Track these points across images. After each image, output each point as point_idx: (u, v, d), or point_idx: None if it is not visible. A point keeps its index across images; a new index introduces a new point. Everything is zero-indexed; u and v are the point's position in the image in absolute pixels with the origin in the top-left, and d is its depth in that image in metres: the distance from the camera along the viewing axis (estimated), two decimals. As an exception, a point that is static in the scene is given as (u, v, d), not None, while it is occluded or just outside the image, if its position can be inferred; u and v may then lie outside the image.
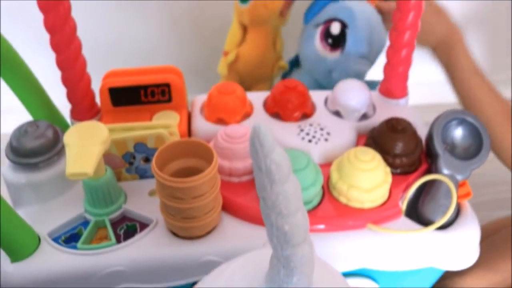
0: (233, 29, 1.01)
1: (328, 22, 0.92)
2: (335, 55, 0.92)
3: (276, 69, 1.05)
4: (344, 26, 0.90)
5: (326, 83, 0.95)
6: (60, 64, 0.63)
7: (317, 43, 0.93)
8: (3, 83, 0.64)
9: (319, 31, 0.93)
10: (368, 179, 0.58)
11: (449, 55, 0.88)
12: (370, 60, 0.92)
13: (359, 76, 0.91)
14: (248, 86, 1.06)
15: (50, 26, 0.60)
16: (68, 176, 0.52)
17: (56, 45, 0.62)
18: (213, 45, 1.15)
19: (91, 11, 1.06)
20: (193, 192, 0.53)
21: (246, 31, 0.99)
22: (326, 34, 0.92)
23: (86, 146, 0.54)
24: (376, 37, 0.91)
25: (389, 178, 0.60)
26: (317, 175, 0.59)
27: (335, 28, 0.91)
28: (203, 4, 1.14)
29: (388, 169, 0.60)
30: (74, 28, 0.62)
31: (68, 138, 0.55)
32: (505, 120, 0.87)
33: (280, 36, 1.04)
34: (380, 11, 0.95)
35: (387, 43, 0.69)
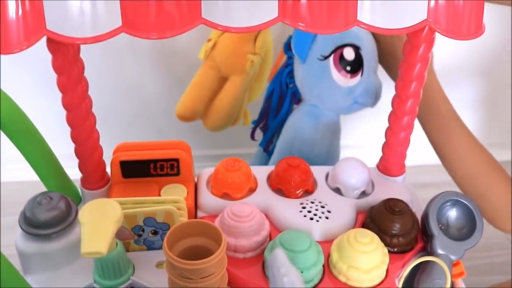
0: None
1: (337, 50, 0.88)
2: (357, 79, 0.88)
3: (248, 63, 0.98)
4: (357, 49, 0.88)
5: (346, 112, 0.94)
6: (74, 138, 0.68)
7: (336, 75, 0.88)
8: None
9: (331, 62, 0.88)
10: (367, 260, 0.62)
11: (424, 96, 0.77)
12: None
13: (379, 89, 0.91)
14: (225, 76, 1.03)
15: (67, 104, 0.65)
16: (83, 255, 0.55)
17: (71, 121, 0.66)
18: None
19: (98, 66, 1.11)
20: (202, 273, 0.57)
21: None
22: (341, 63, 0.88)
23: (100, 224, 0.58)
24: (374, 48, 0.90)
25: (386, 259, 0.64)
26: (319, 255, 0.63)
27: (349, 54, 0.87)
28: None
29: (385, 250, 0.65)
30: (90, 105, 0.67)
31: (83, 216, 0.58)
32: (491, 171, 0.87)
33: (265, 32, 0.98)
34: None
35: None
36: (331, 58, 0.87)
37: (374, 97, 0.90)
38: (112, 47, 1.15)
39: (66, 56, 0.61)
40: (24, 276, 0.66)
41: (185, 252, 0.60)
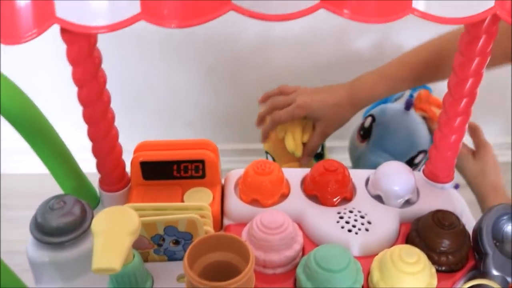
0: None
1: (366, 117, 1.00)
2: (363, 145, 0.98)
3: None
4: (373, 120, 0.97)
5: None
6: (92, 135, 0.60)
7: (356, 134, 1.01)
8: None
9: (359, 124, 1.02)
10: (413, 282, 0.53)
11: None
12: (394, 156, 0.93)
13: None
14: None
15: (83, 99, 0.57)
16: (94, 272, 0.48)
17: (88, 118, 0.59)
18: (246, 95, 1.12)
19: (124, 57, 1.03)
20: (226, 295, 0.49)
21: None
22: (361, 127, 0.99)
23: (115, 236, 0.51)
24: (406, 138, 0.93)
25: (434, 281, 0.55)
26: (358, 274, 0.54)
27: (367, 122, 0.98)
28: (240, 55, 1.10)
29: (433, 270, 0.56)
30: (108, 101, 0.59)
31: (97, 226, 0.51)
32: None
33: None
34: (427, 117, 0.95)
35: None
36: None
37: None
38: (139, 36, 1.07)
39: (81, 47, 0.54)
40: (36, 285, 0.59)
41: (208, 268, 0.53)
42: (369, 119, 0.97)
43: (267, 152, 1.01)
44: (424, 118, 0.96)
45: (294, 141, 0.94)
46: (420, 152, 0.93)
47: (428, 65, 0.87)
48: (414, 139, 0.93)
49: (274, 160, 1.01)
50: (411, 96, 0.96)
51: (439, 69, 0.86)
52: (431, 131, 0.95)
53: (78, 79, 0.56)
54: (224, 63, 1.08)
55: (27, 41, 0.48)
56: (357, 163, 0.99)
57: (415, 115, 0.95)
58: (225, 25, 1.06)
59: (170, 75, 1.13)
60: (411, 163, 0.94)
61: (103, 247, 0.50)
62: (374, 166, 0.78)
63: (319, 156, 1.01)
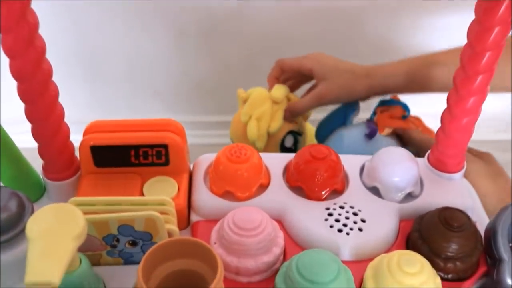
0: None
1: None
2: None
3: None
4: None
5: None
6: (30, 116, 0.54)
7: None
8: None
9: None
10: (413, 295, 0.48)
11: None
12: None
13: None
14: None
15: (16, 72, 0.50)
16: (26, 285, 0.43)
17: (24, 94, 0.52)
18: (223, 61, 1.05)
19: (91, 18, 0.95)
20: (188, 314, 0.44)
21: None
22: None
23: (54, 242, 0.45)
24: None
25: (439, 294, 0.50)
26: (348, 284, 0.49)
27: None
28: (213, 16, 1.03)
29: (438, 280, 0.50)
30: (49, 73, 0.52)
31: (32, 229, 0.45)
32: None
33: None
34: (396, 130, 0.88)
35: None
36: None
37: None
38: None
39: (11, 8, 0.46)
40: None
41: (169, 279, 0.48)
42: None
43: (231, 139, 0.94)
44: (395, 134, 0.88)
45: (258, 129, 0.87)
46: None
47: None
48: None
49: None
50: (371, 118, 0.89)
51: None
52: (409, 142, 0.86)
53: (9, 49, 0.49)
54: (197, 24, 1.00)
55: None
56: None
57: (381, 141, 0.85)
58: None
59: (134, 37, 1.05)
60: None
61: (39, 256, 0.44)
62: None
63: (290, 151, 0.94)
